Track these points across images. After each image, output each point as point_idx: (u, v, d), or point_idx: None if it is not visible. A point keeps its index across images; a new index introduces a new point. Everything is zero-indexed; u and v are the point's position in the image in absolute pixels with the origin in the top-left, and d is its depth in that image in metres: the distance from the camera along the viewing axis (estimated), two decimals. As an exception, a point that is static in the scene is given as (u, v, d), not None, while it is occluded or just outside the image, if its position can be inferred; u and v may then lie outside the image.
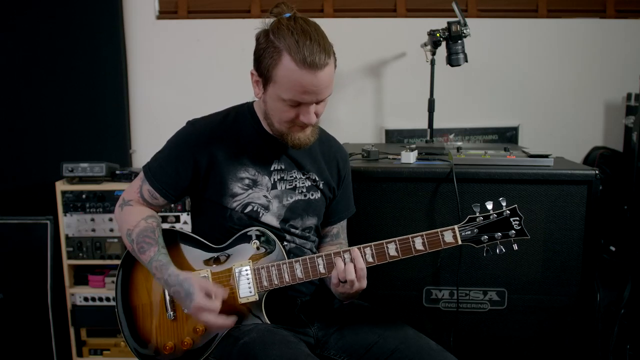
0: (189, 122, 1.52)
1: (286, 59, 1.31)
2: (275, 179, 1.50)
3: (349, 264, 1.36)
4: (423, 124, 2.28)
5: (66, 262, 2.36)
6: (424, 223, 1.85)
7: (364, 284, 1.38)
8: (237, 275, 1.44)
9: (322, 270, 1.41)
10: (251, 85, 1.48)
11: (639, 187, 2.22)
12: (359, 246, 1.40)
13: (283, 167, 1.51)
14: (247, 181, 1.47)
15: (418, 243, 1.36)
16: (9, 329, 2.37)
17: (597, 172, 1.79)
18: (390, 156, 2.03)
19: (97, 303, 2.38)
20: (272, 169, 1.50)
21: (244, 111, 1.53)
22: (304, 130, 1.42)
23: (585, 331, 1.89)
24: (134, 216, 1.49)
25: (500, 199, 1.36)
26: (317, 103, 1.39)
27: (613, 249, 2.32)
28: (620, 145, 2.54)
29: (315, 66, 1.31)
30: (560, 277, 1.86)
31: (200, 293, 1.36)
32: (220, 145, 1.47)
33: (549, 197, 1.82)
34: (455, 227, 1.36)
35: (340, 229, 1.66)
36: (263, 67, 1.36)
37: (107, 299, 2.38)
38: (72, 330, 2.42)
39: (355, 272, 1.35)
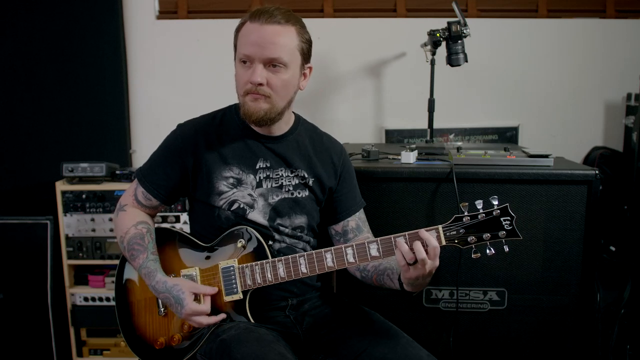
0: (178, 125, 1.56)
1: (245, 21, 1.43)
2: (261, 177, 1.51)
3: (416, 243, 1.27)
4: (423, 124, 2.28)
5: (66, 262, 2.36)
6: (423, 223, 1.85)
7: (437, 262, 1.30)
8: (222, 273, 1.45)
9: (304, 270, 1.41)
10: None
11: (639, 187, 2.22)
12: (340, 246, 1.39)
13: (269, 165, 1.52)
14: (231, 180, 1.49)
15: (400, 243, 1.30)
16: (9, 329, 2.36)
17: (597, 172, 1.79)
18: (390, 156, 2.03)
19: (97, 303, 2.38)
20: (257, 167, 1.51)
21: (231, 111, 1.57)
22: (256, 100, 1.42)
23: (585, 331, 1.88)
24: (126, 222, 1.52)
25: (492, 197, 1.31)
26: (267, 65, 1.40)
27: (613, 249, 2.32)
28: (620, 145, 2.54)
29: (261, 17, 1.39)
30: (560, 277, 1.86)
31: (189, 298, 1.40)
32: (205, 146, 1.50)
33: (549, 197, 1.82)
34: (439, 226, 1.31)
35: (359, 221, 1.62)
36: (234, 45, 1.47)
37: (107, 299, 2.37)
38: (72, 330, 2.42)
39: (427, 252, 1.28)
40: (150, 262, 1.45)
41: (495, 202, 1.31)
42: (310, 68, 1.53)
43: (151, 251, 1.48)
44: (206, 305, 1.41)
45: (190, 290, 1.41)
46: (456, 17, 2.11)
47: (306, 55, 1.48)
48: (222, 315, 1.44)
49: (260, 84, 1.40)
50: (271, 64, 1.40)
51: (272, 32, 1.39)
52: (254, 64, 1.40)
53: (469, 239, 1.31)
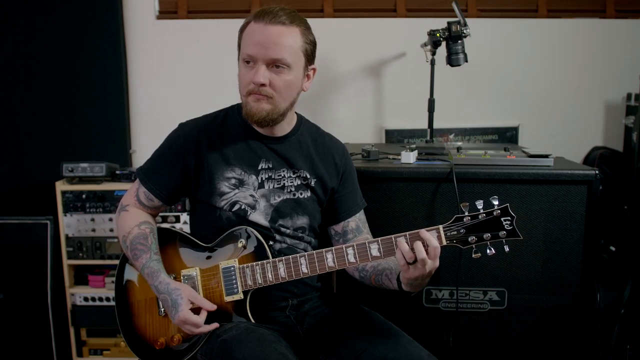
0: (179, 124, 1.56)
1: (249, 21, 1.42)
2: (263, 178, 1.51)
3: (417, 243, 1.27)
4: (423, 124, 2.28)
5: (66, 262, 2.36)
6: (423, 223, 1.85)
7: (437, 262, 1.30)
8: (223, 273, 1.45)
9: (304, 270, 1.41)
10: None
11: (639, 187, 2.22)
12: (341, 246, 1.39)
13: (271, 165, 1.52)
14: (233, 181, 1.49)
15: (401, 243, 1.30)
16: (9, 329, 2.36)
17: (597, 172, 1.79)
18: (390, 156, 2.03)
19: (97, 303, 2.38)
20: (259, 168, 1.51)
21: (234, 111, 1.56)
22: (259, 101, 1.42)
23: (585, 331, 1.89)
24: (129, 222, 1.52)
25: (492, 197, 1.31)
26: (270, 65, 1.40)
27: (613, 249, 2.32)
28: (620, 145, 2.54)
29: (265, 17, 1.38)
30: (560, 277, 1.86)
31: (186, 305, 1.40)
32: (207, 146, 1.50)
33: (549, 197, 1.82)
34: (440, 227, 1.32)
35: (359, 222, 1.62)
36: (237, 44, 1.46)
37: (107, 299, 2.37)
38: (72, 330, 2.42)
39: (427, 252, 1.28)
40: (154, 262, 1.46)
41: (496, 202, 1.31)
42: (314, 69, 1.52)
43: (154, 251, 1.48)
44: (201, 318, 1.41)
45: (188, 298, 1.41)
46: (456, 17, 2.11)
47: (310, 56, 1.47)
48: (215, 325, 1.43)
49: (263, 85, 1.39)
50: (274, 64, 1.40)
51: (276, 33, 1.38)
52: (257, 65, 1.40)
53: (469, 239, 1.31)
